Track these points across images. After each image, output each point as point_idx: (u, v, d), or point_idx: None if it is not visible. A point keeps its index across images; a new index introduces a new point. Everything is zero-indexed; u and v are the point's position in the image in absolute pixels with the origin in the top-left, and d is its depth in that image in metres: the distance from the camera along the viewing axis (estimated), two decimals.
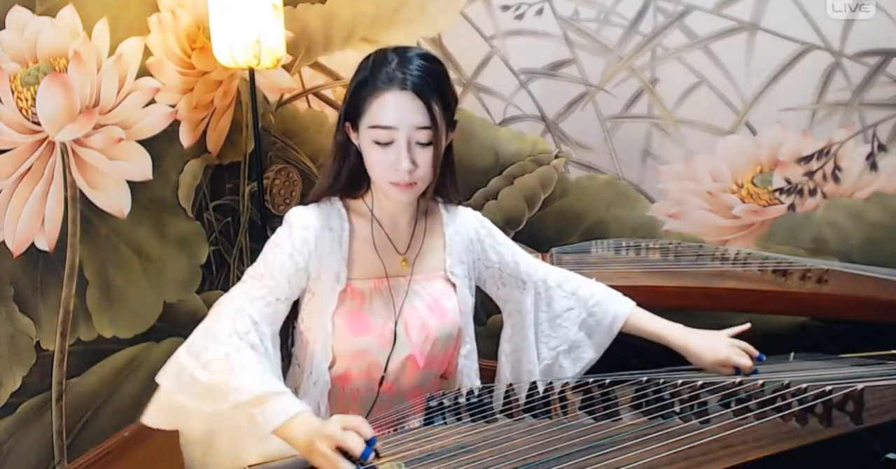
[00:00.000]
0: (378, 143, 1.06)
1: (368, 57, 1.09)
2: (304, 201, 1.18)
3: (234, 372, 0.98)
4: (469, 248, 1.27)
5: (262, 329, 1.08)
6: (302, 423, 0.91)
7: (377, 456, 0.88)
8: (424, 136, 1.05)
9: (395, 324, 1.16)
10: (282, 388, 0.97)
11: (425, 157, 1.07)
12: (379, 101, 1.04)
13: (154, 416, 1.07)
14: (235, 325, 1.05)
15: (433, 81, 1.06)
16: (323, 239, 1.13)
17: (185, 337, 2.36)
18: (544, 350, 1.30)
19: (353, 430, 0.87)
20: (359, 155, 1.13)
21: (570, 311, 1.30)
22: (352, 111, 1.09)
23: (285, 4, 2.23)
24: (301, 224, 1.13)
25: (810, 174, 1.99)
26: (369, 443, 0.86)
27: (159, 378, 1.07)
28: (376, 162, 1.08)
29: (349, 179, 1.16)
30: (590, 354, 1.29)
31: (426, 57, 1.08)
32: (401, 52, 1.07)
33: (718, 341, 1.19)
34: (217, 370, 0.99)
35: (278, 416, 0.92)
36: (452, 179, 1.21)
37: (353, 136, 1.12)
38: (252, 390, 0.95)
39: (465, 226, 1.27)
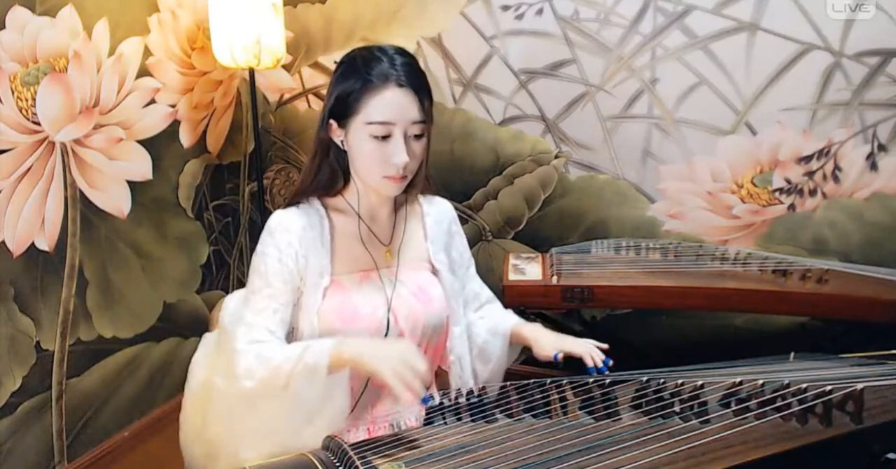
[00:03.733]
0: (375, 137, 1.09)
1: (353, 58, 1.13)
2: (284, 204, 1.21)
3: (270, 360, 1.06)
4: (444, 237, 1.32)
5: (279, 335, 1.13)
6: (346, 346, 1.03)
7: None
8: (418, 129, 1.11)
9: (388, 312, 1.18)
10: (308, 342, 1.07)
11: (418, 149, 1.13)
12: (378, 99, 1.08)
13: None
14: (251, 335, 1.11)
15: (422, 78, 1.13)
16: (305, 238, 1.16)
17: (185, 337, 2.37)
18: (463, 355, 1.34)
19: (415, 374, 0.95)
20: (340, 152, 1.17)
21: (482, 320, 1.37)
22: (342, 110, 1.12)
23: (285, 4, 2.23)
24: (282, 227, 1.16)
25: (810, 174, 1.99)
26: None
27: (212, 416, 1.19)
28: (371, 157, 1.11)
29: (329, 177, 1.19)
30: (493, 355, 1.33)
31: (406, 54, 1.14)
32: (383, 50, 1.12)
33: (563, 337, 1.23)
34: (255, 369, 1.06)
35: (322, 356, 1.02)
36: (426, 170, 1.24)
37: (336, 134, 1.15)
38: (289, 360, 1.04)
39: (444, 215, 1.33)
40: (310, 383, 1.03)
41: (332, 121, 1.14)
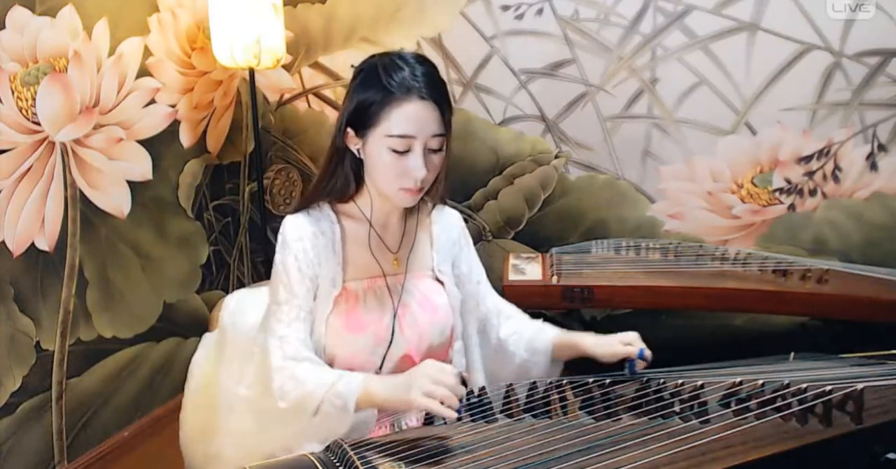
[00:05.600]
0: (395, 150, 1.07)
1: (373, 64, 1.10)
2: (294, 208, 1.20)
3: (303, 384, 1.07)
4: (452, 249, 1.30)
5: (309, 344, 1.13)
6: (374, 387, 1.02)
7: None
8: (438, 142, 1.09)
9: (393, 321, 1.16)
10: (340, 373, 1.07)
11: (436, 162, 1.11)
12: (400, 112, 1.06)
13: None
14: (284, 351, 1.11)
15: (443, 88, 1.10)
16: (318, 246, 1.15)
17: (185, 337, 2.36)
18: (500, 374, 1.32)
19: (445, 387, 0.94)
20: (355, 160, 1.15)
21: (514, 335, 1.33)
22: (361, 120, 1.09)
23: (285, 4, 2.23)
24: (294, 236, 1.14)
25: (810, 174, 1.99)
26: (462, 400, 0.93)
27: (241, 424, 1.20)
28: (388, 169, 1.09)
29: (342, 183, 1.17)
30: (535, 374, 1.29)
31: (426, 62, 1.11)
32: (404, 58, 1.09)
33: (611, 339, 1.21)
34: (290, 390, 1.07)
35: (350, 394, 1.02)
36: (446, 178, 1.21)
37: (353, 142, 1.13)
38: (322, 387, 1.05)
39: (451, 225, 1.30)
40: (339, 413, 1.03)
41: (349, 129, 1.12)
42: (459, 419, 0.92)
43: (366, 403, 1.03)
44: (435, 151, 1.10)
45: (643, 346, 1.17)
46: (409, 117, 1.06)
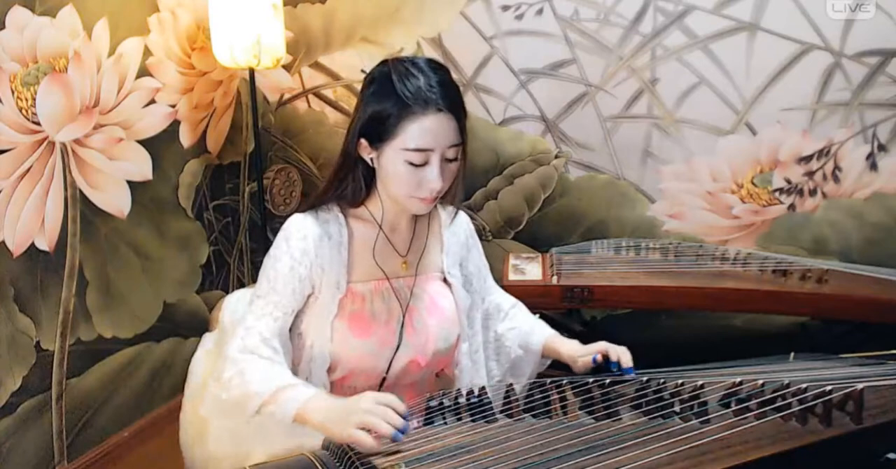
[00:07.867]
0: (412, 163, 1.06)
1: (386, 72, 1.07)
2: (302, 208, 1.19)
3: (248, 383, 1.06)
4: (461, 251, 1.30)
5: (273, 344, 1.12)
6: (315, 406, 0.99)
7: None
8: (454, 152, 1.09)
9: (401, 326, 1.16)
10: (291, 381, 1.05)
11: (453, 171, 1.11)
12: (418, 126, 1.04)
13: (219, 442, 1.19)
14: (245, 342, 1.11)
15: (458, 97, 1.09)
16: (322, 247, 1.13)
17: (185, 337, 2.37)
18: (494, 367, 1.34)
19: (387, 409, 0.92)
20: (367, 167, 1.13)
21: (512, 331, 1.34)
22: (376, 131, 1.07)
23: (285, 4, 2.23)
24: (299, 234, 1.13)
25: (810, 174, 1.99)
26: (402, 430, 0.91)
27: (202, 411, 1.20)
28: (404, 180, 1.08)
29: (352, 190, 1.16)
30: (527, 371, 1.32)
31: (440, 68, 1.09)
32: (418, 66, 1.07)
33: (583, 350, 1.21)
34: (235, 385, 1.07)
35: (291, 405, 1.00)
36: (462, 183, 1.20)
37: (366, 152, 1.11)
38: (266, 391, 1.03)
39: (461, 227, 1.31)
40: (277, 421, 1.03)
41: (362, 139, 1.10)
42: (400, 436, 0.89)
43: (301, 422, 1.00)
44: (451, 160, 1.09)
45: (607, 350, 1.17)
46: (427, 131, 1.04)
